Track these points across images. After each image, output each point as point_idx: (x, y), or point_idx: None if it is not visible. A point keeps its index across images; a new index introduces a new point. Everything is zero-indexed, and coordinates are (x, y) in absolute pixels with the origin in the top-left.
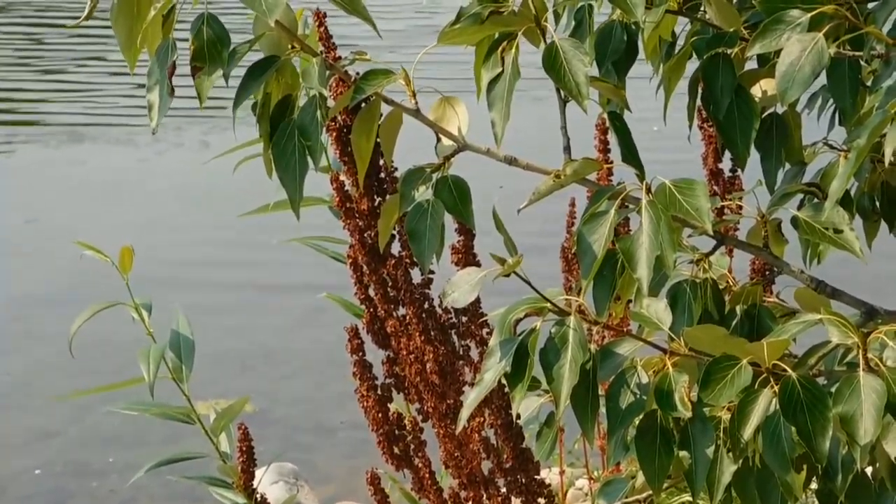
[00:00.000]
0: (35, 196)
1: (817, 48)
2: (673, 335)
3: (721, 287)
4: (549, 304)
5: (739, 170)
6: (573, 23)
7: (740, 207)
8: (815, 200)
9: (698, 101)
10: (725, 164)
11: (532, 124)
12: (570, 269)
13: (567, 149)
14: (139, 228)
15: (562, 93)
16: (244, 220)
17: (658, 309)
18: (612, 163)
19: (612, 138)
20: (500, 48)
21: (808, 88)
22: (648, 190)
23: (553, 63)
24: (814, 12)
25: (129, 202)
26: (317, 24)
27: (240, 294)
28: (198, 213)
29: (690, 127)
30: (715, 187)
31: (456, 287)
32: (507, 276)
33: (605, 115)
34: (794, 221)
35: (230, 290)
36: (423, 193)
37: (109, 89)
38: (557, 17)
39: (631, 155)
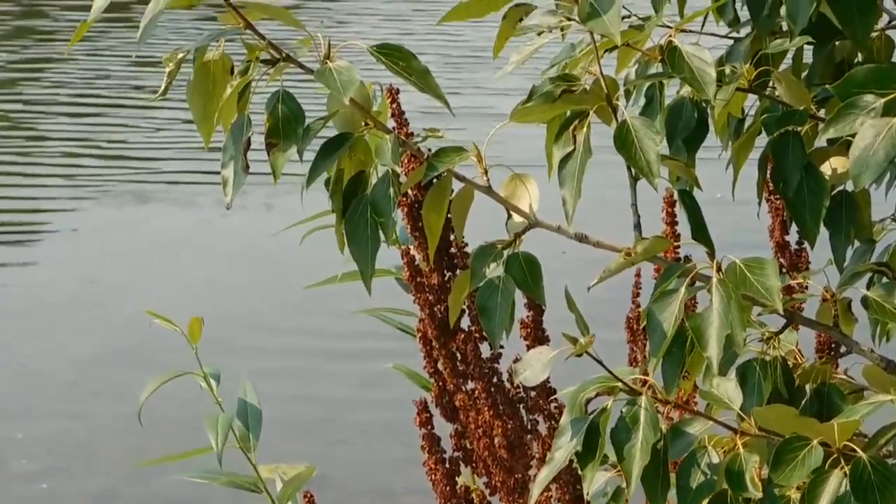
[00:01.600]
0: (97, 256)
1: (891, 133)
2: (743, 415)
3: (789, 363)
4: (620, 384)
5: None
6: (644, 100)
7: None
8: (885, 280)
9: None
10: (792, 236)
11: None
12: (635, 339)
13: (637, 226)
14: (201, 290)
15: (632, 170)
16: (307, 283)
17: (728, 388)
18: (679, 235)
19: (678, 209)
20: (572, 126)
21: (882, 174)
22: (719, 268)
23: (625, 141)
24: (888, 98)
25: (191, 263)
26: (389, 100)
27: (301, 357)
28: (261, 276)
29: (760, 203)
30: (781, 260)
31: (528, 366)
32: (580, 355)
33: (674, 190)
34: (865, 301)
35: (292, 353)
36: (494, 270)
37: (172, 151)
38: (628, 94)
39: (701, 233)
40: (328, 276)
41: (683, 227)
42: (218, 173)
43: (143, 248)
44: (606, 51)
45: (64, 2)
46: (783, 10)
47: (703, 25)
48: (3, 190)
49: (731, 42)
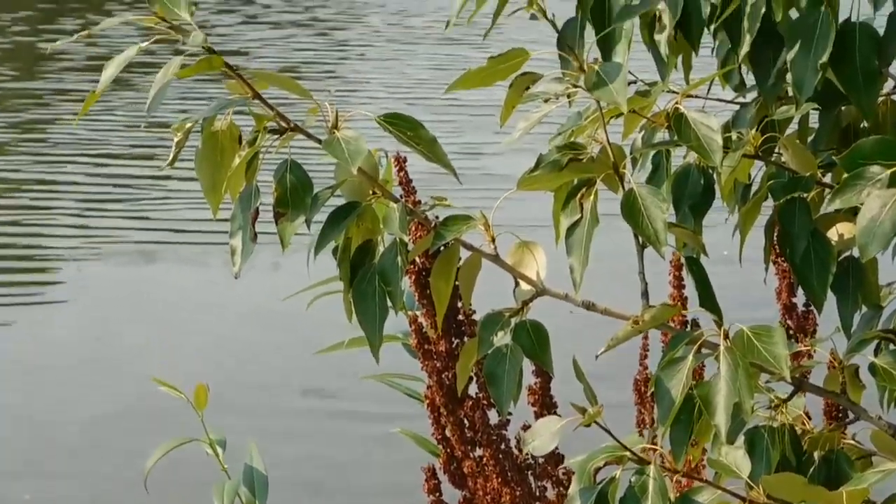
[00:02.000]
0: (105, 315)
1: None
2: (752, 483)
3: (797, 429)
4: (628, 453)
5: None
6: (650, 166)
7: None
8: (892, 346)
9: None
10: (799, 297)
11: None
12: (642, 402)
13: (645, 294)
14: (209, 350)
15: (640, 238)
16: (314, 343)
17: (737, 457)
18: (686, 299)
19: (685, 272)
20: (579, 195)
21: (889, 244)
22: (726, 336)
23: (632, 210)
24: (894, 169)
25: (199, 323)
26: (397, 168)
27: (309, 419)
28: (269, 336)
29: (767, 269)
30: (789, 322)
31: (537, 435)
32: (588, 426)
33: (682, 255)
34: (872, 368)
35: (300, 414)
36: (502, 338)
37: (181, 207)
38: (635, 161)
39: (709, 300)
40: (336, 336)
41: (691, 289)
42: (226, 234)
43: (150, 308)
44: (612, 117)
45: (60, 63)
46: (789, 77)
47: (708, 90)
48: (8, 252)
49: (737, 107)
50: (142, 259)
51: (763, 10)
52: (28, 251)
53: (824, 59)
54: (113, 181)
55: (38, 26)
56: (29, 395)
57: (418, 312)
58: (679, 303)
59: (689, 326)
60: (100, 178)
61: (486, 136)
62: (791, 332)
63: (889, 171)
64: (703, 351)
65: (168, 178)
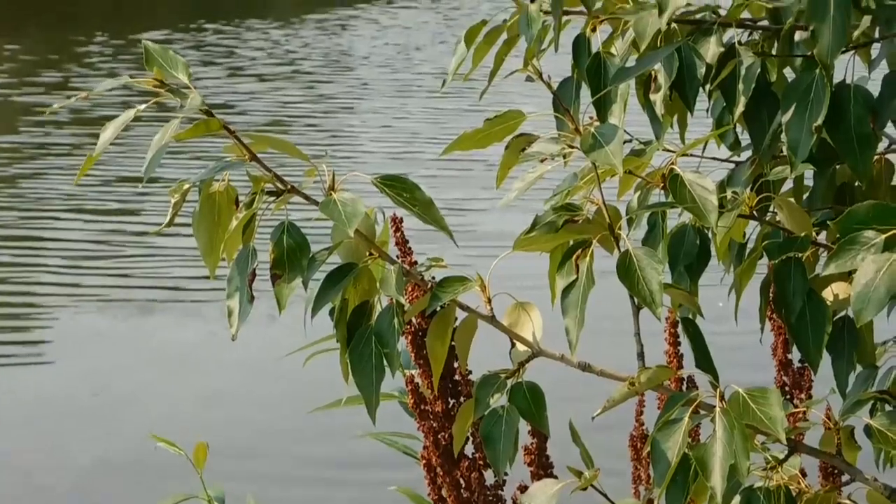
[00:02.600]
0: (102, 367)
1: (892, 269)
2: None
3: (792, 489)
4: None
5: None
6: (646, 226)
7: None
8: (888, 407)
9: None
10: (795, 354)
11: None
12: (638, 457)
13: (640, 355)
14: (206, 401)
15: (635, 299)
16: (311, 396)
17: None
18: (682, 356)
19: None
20: (575, 256)
21: (883, 308)
22: (722, 397)
23: (627, 271)
24: (888, 234)
25: (196, 375)
26: (394, 229)
27: (305, 474)
28: (265, 388)
29: (763, 329)
30: (784, 378)
31: (533, 498)
32: (585, 489)
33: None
34: (868, 430)
35: (296, 469)
36: (498, 399)
37: (173, 262)
38: (631, 221)
39: (705, 361)
40: (334, 388)
41: (686, 346)
42: (221, 287)
43: (147, 361)
44: (608, 176)
45: (41, 117)
46: (784, 136)
47: (704, 149)
48: (5, 306)
49: (731, 165)
50: (135, 314)
51: (758, 71)
52: (18, 309)
53: (819, 121)
54: (99, 236)
55: (18, 79)
56: (26, 448)
57: (415, 372)
58: (675, 360)
59: (685, 384)
60: (86, 234)
61: (475, 191)
62: (787, 388)
63: (883, 236)
64: (700, 412)
65: (155, 233)
